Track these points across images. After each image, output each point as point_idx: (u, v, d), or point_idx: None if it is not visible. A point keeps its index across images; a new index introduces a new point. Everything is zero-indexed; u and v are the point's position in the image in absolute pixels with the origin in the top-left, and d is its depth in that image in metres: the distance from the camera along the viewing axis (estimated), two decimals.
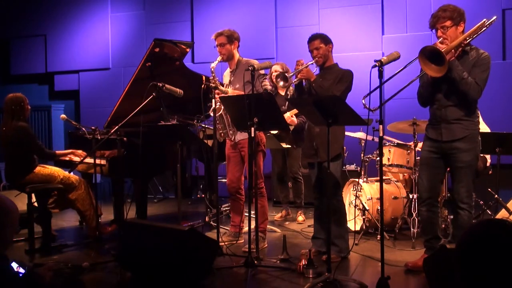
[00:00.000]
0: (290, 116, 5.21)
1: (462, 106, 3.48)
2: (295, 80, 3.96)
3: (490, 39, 6.21)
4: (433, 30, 3.51)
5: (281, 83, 3.95)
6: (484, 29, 3.39)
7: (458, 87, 3.40)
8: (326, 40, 4.00)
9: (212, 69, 4.32)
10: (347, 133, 4.34)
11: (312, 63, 4.00)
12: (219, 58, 4.41)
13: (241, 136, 4.43)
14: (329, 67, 4.03)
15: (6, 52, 8.96)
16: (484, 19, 3.39)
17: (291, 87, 5.54)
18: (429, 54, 3.27)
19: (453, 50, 3.37)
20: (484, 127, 4.84)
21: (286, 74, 3.89)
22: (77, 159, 4.87)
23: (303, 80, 3.99)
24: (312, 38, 4.01)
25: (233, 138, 4.49)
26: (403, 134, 5.20)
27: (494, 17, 3.36)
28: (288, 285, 3.47)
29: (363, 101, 3.22)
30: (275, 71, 4.96)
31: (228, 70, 4.62)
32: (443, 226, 4.57)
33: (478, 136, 3.56)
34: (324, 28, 6.52)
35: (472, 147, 3.50)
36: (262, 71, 4.31)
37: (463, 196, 3.52)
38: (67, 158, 4.93)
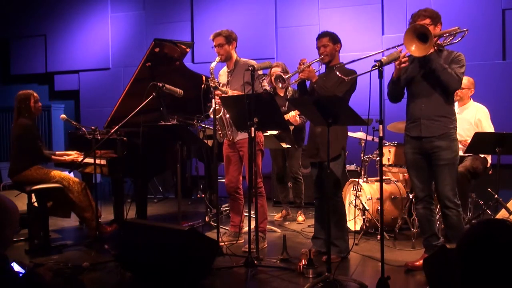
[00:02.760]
0: (295, 115, 5.20)
1: (442, 102, 3.57)
2: (297, 79, 3.96)
3: (490, 39, 6.23)
4: None
5: (280, 84, 3.96)
6: (457, 39, 3.50)
7: (439, 77, 3.49)
8: (335, 39, 4.02)
9: (211, 70, 4.32)
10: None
11: (316, 61, 3.99)
12: (217, 59, 4.41)
13: (240, 136, 4.43)
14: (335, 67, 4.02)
15: (6, 52, 8.96)
16: (458, 27, 3.53)
17: (290, 88, 5.55)
18: (417, 33, 3.35)
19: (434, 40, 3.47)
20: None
21: (283, 75, 3.89)
22: (74, 157, 4.87)
23: (306, 80, 3.98)
24: (321, 36, 4.03)
25: (231, 138, 4.49)
26: (403, 134, 5.19)
27: (466, 29, 3.48)
28: (288, 285, 3.47)
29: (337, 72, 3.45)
30: (274, 73, 4.96)
31: (225, 69, 4.61)
32: (442, 226, 4.56)
33: (456, 134, 3.64)
34: (324, 28, 6.43)
35: (452, 145, 3.58)
36: (261, 71, 4.31)
37: (449, 195, 3.55)
38: (66, 159, 4.91)
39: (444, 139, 3.56)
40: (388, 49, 3.61)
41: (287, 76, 3.89)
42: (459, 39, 3.52)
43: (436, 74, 3.50)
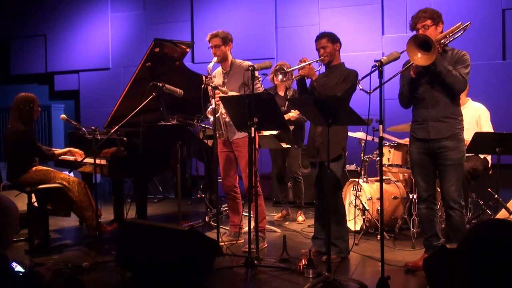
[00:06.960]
0: (295, 115, 5.19)
1: (449, 104, 3.55)
2: (296, 75, 3.96)
3: (490, 39, 6.23)
4: (414, 31, 3.60)
5: (280, 76, 3.95)
6: (460, 33, 3.49)
7: (444, 80, 3.47)
8: (333, 39, 4.01)
9: (209, 70, 4.33)
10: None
11: (316, 61, 3.99)
12: (214, 59, 4.42)
13: (237, 135, 4.43)
14: (335, 66, 4.02)
15: (6, 52, 8.96)
16: (460, 22, 3.50)
17: (290, 88, 5.55)
18: (419, 43, 3.33)
19: (437, 46, 3.44)
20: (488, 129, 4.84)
21: (285, 68, 3.89)
22: (75, 158, 4.86)
23: (306, 77, 3.99)
24: (320, 37, 4.02)
25: (227, 137, 4.49)
26: (403, 134, 5.19)
27: (468, 23, 3.47)
28: (288, 285, 3.47)
29: (359, 86, 3.35)
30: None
31: (219, 70, 4.60)
32: (443, 226, 4.57)
33: (462, 134, 3.63)
34: (324, 28, 6.47)
35: (459, 145, 3.57)
36: (256, 73, 4.32)
37: (454, 195, 3.53)
38: (70, 158, 4.91)
39: (451, 140, 3.54)
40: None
41: (290, 69, 3.89)
42: (461, 32, 3.48)
43: (441, 77, 3.48)
